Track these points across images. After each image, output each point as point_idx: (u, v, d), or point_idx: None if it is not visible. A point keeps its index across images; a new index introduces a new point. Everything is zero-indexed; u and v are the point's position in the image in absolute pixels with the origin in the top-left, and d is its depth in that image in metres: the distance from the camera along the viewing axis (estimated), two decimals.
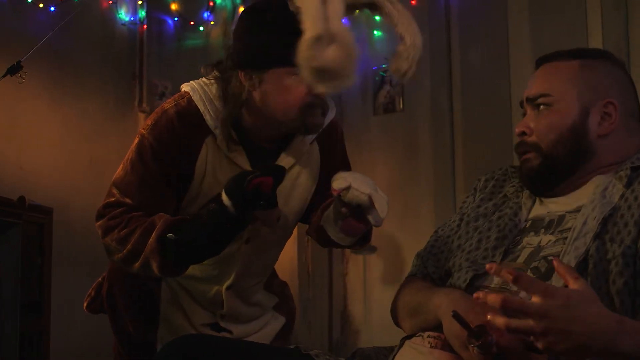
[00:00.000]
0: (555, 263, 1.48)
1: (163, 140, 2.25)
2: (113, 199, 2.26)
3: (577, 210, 1.78)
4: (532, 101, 1.89)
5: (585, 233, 1.69)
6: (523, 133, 1.89)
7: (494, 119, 4.57)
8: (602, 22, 4.18)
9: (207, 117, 2.27)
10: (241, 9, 4.97)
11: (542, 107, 1.86)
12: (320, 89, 2.05)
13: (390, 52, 2.12)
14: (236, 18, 4.90)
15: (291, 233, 2.55)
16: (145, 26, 4.64)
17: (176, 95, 2.37)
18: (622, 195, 1.73)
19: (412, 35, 2.10)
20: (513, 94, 4.51)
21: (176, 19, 4.77)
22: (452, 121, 4.73)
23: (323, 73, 1.96)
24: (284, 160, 2.35)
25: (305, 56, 1.95)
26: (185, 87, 2.37)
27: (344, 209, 2.16)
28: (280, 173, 2.12)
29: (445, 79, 4.74)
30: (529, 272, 1.72)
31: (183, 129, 2.26)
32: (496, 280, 1.78)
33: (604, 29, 4.16)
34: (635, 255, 1.63)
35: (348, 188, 2.08)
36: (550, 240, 1.77)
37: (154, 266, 2.15)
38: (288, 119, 2.23)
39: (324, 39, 1.93)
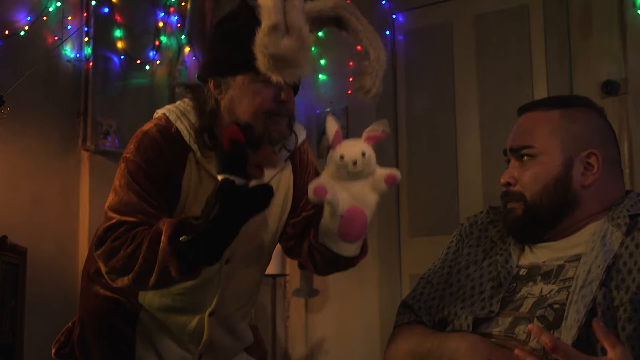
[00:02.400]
0: (594, 325, 1.53)
1: (150, 159, 2.22)
2: (113, 221, 2.18)
3: (576, 258, 1.82)
4: (516, 152, 1.93)
5: (591, 281, 1.73)
6: (508, 184, 1.93)
7: (439, 163, 4.62)
8: (546, 72, 4.27)
9: (184, 133, 2.26)
10: (187, 49, 4.98)
11: (525, 157, 1.91)
12: (275, 77, 2.02)
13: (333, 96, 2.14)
14: (182, 58, 4.96)
15: (269, 256, 2.49)
16: (90, 63, 4.58)
17: (153, 119, 2.34)
18: (622, 243, 1.78)
19: (376, 50, 2.11)
20: (459, 138, 4.58)
21: (122, 57, 4.74)
22: (398, 165, 4.76)
23: (277, 61, 1.99)
24: (269, 151, 2.31)
25: (260, 44, 1.99)
26: (160, 111, 2.35)
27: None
28: (244, 128, 2.06)
29: (391, 123, 4.74)
30: (535, 321, 1.75)
31: (167, 146, 2.25)
32: (500, 326, 1.81)
33: (549, 78, 4.25)
34: None
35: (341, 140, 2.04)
36: (552, 290, 1.80)
37: (173, 271, 2.05)
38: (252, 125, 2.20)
39: (280, 28, 1.97)
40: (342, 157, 2.00)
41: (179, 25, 5.03)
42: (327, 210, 2.09)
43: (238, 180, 1.97)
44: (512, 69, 4.43)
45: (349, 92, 4.79)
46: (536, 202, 1.88)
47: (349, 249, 2.19)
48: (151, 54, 4.92)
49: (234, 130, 1.98)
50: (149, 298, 2.37)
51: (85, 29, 4.61)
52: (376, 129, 2.06)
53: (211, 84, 2.25)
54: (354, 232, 2.11)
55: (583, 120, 1.93)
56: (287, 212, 2.44)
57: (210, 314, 2.39)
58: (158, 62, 4.93)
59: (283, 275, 4.85)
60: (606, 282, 1.72)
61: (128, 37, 4.79)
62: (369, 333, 4.70)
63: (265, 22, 1.98)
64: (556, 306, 1.75)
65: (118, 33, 4.74)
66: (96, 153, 4.56)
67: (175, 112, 2.30)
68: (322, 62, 4.98)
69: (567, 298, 1.74)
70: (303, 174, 2.47)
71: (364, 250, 2.27)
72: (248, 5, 2.22)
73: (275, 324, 4.82)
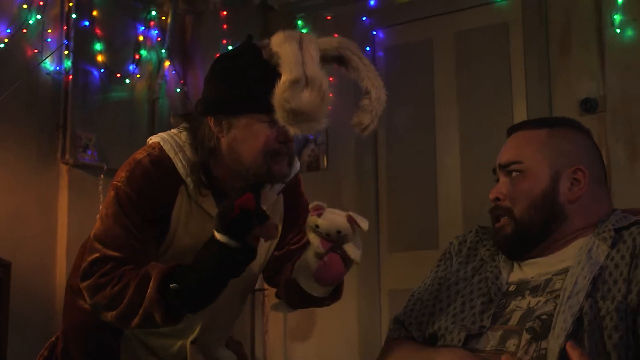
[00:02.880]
0: (568, 349, 1.58)
1: (141, 190, 2.19)
2: (98, 254, 2.16)
3: (563, 272, 1.85)
4: (504, 168, 1.97)
5: (577, 292, 1.76)
6: (497, 199, 1.97)
7: (419, 179, 4.65)
8: (526, 89, 4.32)
9: (178, 166, 2.23)
10: (167, 63, 4.98)
11: (514, 173, 1.95)
12: (294, 130, 2.03)
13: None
14: (161, 72, 4.95)
15: (254, 286, 2.50)
16: (70, 76, 4.57)
17: (146, 146, 2.30)
18: (607, 255, 1.82)
19: (377, 90, 2.15)
20: (438, 155, 4.61)
21: (102, 70, 4.73)
22: (377, 180, 4.79)
23: (297, 115, 2.00)
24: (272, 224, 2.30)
25: (281, 97, 1.99)
26: (154, 138, 2.30)
27: (318, 247, 2.06)
28: (256, 188, 2.09)
29: (370, 139, 4.80)
30: (524, 333, 1.78)
31: (159, 178, 2.21)
32: (491, 342, 1.83)
33: (528, 95, 4.30)
34: (626, 310, 1.72)
35: (320, 213, 2.02)
36: (540, 301, 1.83)
37: (157, 317, 2.07)
38: (255, 165, 2.17)
39: (301, 82, 1.99)
40: (317, 226, 2.01)
41: (159, 39, 5.03)
42: (311, 250, 2.09)
43: (233, 244, 1.97)
44: (492, 85, 4.47)
45: (329, 107, 4.81)
46: (524, 218, 1.92)
47: (318, 291, 2.20)
48: (131, 67, 4.91)
49: (249, 199, 1.96)
50: None
51: (66, 42, 4.59)
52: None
53: (211, 121, 2.20)
54: (329, 278, 2.11)
55: (570, 138, 1.99)
56: (274, 245, 2.43)
57: (193, 342, 2.37)
58: (138, 75, 4.92)
59: (262, 290, 4.84)
60: (592, 293, 1.76)
61: (108, 50, 4.78)
62: (348, 348, 4.70)
63: (287, 75, 1.98)
64: (544, 317, 1.78)
65: (98, 46, 4.73)
66: (75, 166, 4.54)
67: (171, 143, 2.27)
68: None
69: (554, 309, 1.77)
70: (294, 206, 2.45)
71: (337, 295, 2.31)
72: (254, 44, 2.20)
73: (254, 339, 4.81)
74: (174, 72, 5.05)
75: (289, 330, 4.87)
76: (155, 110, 4.97)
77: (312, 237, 2.05)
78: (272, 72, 2.03)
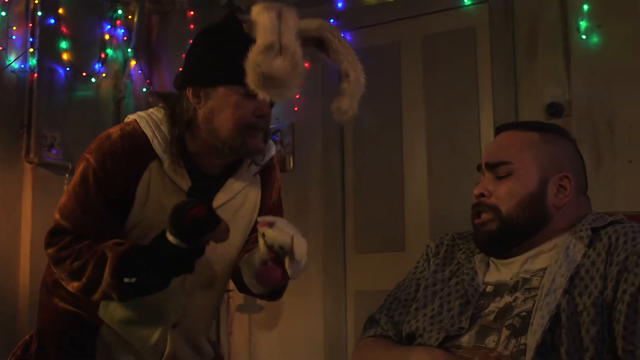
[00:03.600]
0: None
1: (106, 165, 2.22)
2: (56, 225, 2.23)
3: (541, 270, 1.89)
4: (493, 167, 1.99)
5: (555, 289, 1.80)
6: (482, 195, 1.98)
7: (385, 180, 4.67)
8: (492, 92, 4.36)
9: (154, 142, 2.26)
10: (133, 63, 4.95)
11: (502, 172, 1.97)
12: (263, 95, 2.06)
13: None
14: (127, 71, 4.92)
15: (233, 268, 2.47)
16: (35, 75, 4.50)
17: (123, 122, 2.34)
18: (584, 254, 1.86)
19: (356, 73, 2.17)
20: (405, 156, 4.64)
21: (68, 69, 4.68)
22: (344, 182, 4.80)
23: (268, 80, 2.02)
24: (230, 187, 2.36)
25: (253, 61, 2.02)
26: (131, 116, 2.34)
27: (264, 253, 2.14)
28: (209, 191, 2.12)
29: (337, 140, 4.82)
30: (504, 330, 1.82)
31: (126, 153, 2.23)
32: (467, 340, 1.85)
33: (495, 99, 4.34)
34: (602, 305, 1.77)
35: (272, 224, 2.09)
36: (518, 298, 1.87)
37: (115, 297, 2.16)
38: (230, 137, 2.22)
39: (274, 48, 2.01)
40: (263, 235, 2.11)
41: (125, 38, 4.99)
42: (257, 253, 2.17)
43: (184, 246, 2.04)
44: (459, 89, 4.51)
45: (295, 108, 4.81)
46: (511, 216, 1.94)
47: (257, 288, 2.28)
48: (97, 66, 4.87)
49: (201, 210, 2.00)
50: (111, 310, 2.34)
51: (31, 39, 4.53)
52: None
53: (190, 93, 2.24)
54: (266, 282, 2.19)
55: (559, 144, 2.02)
56: (251, 225, 2.45)
57: (174, 326, 2.38)
58: (104, 74, 4.88)
59: (227, 290, 4.82)
60: (569, 290, 1.80)
61: (74, 48, 4.73)
62: (313, 349, 4.71)
63: (261, 40, 2.01)
64: (523, 314, 1.82)
65: (64, 44, 4.68)
66: (40, 166, 4.48)
67: (147, 119, 2.30)
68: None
69: (532, 306, 1.81)
70: (270, 190, 2.49)
71: (277, 295, 2.37)
72: (235, 17, 2.24)
73: (219, 340, 4.80)
74: (140, 72, 5.02)
75: (253, 330, 4.86)
76: (120, 110, 4.93)
77: (261, 243, 2.12)
78: (251, 45, 2.05)
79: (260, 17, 2.04)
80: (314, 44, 2.17)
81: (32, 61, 4.52)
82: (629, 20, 4.01)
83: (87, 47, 4.85)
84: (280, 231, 2.08)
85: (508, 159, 1.97)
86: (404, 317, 2.06)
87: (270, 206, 2.47)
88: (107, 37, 4.94)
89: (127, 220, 2.27)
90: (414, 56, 4.68)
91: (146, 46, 5.12)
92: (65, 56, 4.68)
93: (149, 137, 2.26)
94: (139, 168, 2.25)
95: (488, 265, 2.02)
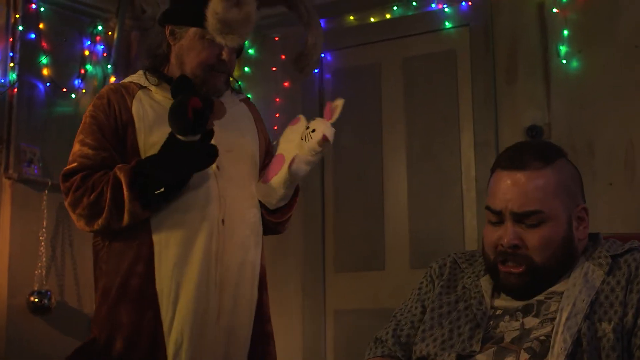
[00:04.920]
0: None
1: (95, 104, 2.55)
2: (64, 171, 2.48)
3: (558, 294, 1.90)
4: (522, 216, 1.91)
5: (576, 314, 1.82)
6: (515, 246, 1.92)
7: (365, 200, 4.70)
8: (473, 115, 4.42)
9: (137, 80, 2.60)
10: (112, 79, 4.93)
11: (533, 221, 1.91)
12: (218, 39, 2.42)
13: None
14: None
15: (258, 165, 2.73)
16: (15, 89, 4.48)
17: None
18: (603, 280, 1.88)
19: (315, 37, 2.58)
20: (385, 176, 4.68)
21: (48, 84, 4.65)
22: (324, 201, 4.82)
23: (224, 26, 2.39)
24: (219, 104, 2.61)
25: (213, 8, 2.39)
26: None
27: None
28: (188, 81, 2.43)
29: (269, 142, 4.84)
30: (522, 352, 1.82)
31: (113, 92, 2.56)
32: (484, 356, 1.87)
33: (475, 121, 4.40)
34: (622, 331, 1.80)
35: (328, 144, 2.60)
36: (535, 323, 1.88)
37: (140, 211, 2.39)
38: (194, 74, 2.53)
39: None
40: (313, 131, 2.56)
41: (105, 54, 4.97)
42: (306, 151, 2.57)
43: (196, 139, 2.36)
44: (440, 111, 4.56)
45: (275, 127, 4.83)
46: (546, 265, 1.91)
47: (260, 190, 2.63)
48: (77, 82, 4.83)
49: (195, 101, 2.31)
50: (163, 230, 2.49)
51: (11, 54, 4.49)
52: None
53: (167, 30, 2.59)
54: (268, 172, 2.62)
55: (568, 172, 1.98)
56: (257, 138, 2.75)
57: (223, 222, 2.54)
58: (84, 90, 4.85)
59: None
60: (590, 315, 1.82)
61: (54, 64, 4.70)
62: None
63: None
64: (542, 338, 1.83)
65: (44, 60, 4.65)
66: (19, 181, 4.43)
67: (128, 77, 2.68)
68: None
69: (552, 330, 1.83)
70: (262, 125, 2.83)
71: (282, 215, 2.76)
72: None
73: None
74: None
75: None
76: None
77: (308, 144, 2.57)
78: None
79: None
80: (283, 4, 2.61)
81: (12, 76, 4.48)
82: (608, 46, 4.10)
83: (67, 62, 4.81)
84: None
85: (538, 208, 1.90)
86: (411, 338, 2.07)
87: (266, 145, 2.80)
88: (87, 52, 4.91)
89: (138, 141, 2.50)
90: (395, 77, 4.73)
91: (126, 62, 5.10)
92: (45, 71, 4.65)
93: (133, 80, 2.62)
94: (128, 97, 2.55)
95: (495, 288, 2.02)
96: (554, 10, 4.23)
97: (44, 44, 4.67)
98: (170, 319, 2.44)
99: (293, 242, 4.79)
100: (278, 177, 2.60)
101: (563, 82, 4.20)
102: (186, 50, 2.54)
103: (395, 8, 4.74)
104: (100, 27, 4.97)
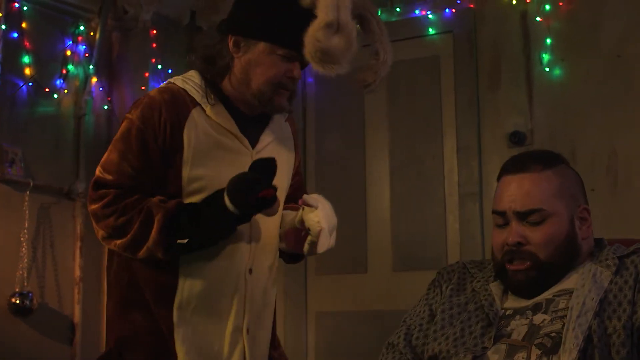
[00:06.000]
0: None
1: (146, 116, 2.34)
2: (97, 178, 2.34)
3: (565, 292, 1.99)
4: (524, 215, 2.02)
5: (586, 312, 1.90)
6: (519, 243, 2.02)
7: (348, 203, 4.73)
8: (456, 120, 4.48)
9: (192, 92, 2.38)
10: (94, 80, 4.90)
11: (536, 219, 2.02)
12: (317, 68, 2.25)
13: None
14: (88, 88, 4.87)
15: (284, 197, 2.62)
16: None
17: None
18: (611, 281, 1.96)
19: (386, 54, 2.38)
20: (368, 180, 4.71)
21: (30, 84, 4.62)
22: None
23: (324, 55, 2.21)
24: (271, 130, 2.51)
25: (314, 36, 2.20)
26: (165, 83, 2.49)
27: (298, 222, 2.38)
28: (272, 168, 2.26)
29: (300, 164, 4.85)
30: (533, 348, 1.90)
31: (165, 104, 2.35)
32: (496, 357, 1.94)
33: (458, 127, 4.47)
34: (632, 329, 1.88)
35: (313, 208, 2.34)
36: (545, 319, 1.95)
37: (160, 254, 2.28)
38: (260, 91, 2.37)
39: (334, 26, 2.19)
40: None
41: (86, 54, 4.93)
42: (298, 216, 2.39)
43: (238, 214, 2.24)
44: (423, 116, 4.61)
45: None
46: (550, 261, 2.01)
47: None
48: (59, 82, 4.80)
49: (269, 194, 2.22)
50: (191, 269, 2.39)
51: None
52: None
53: (231, 41, 2.38)
54: (288, 242, 2.52)
55: (570, 176, 2.10)
56: (292, 167, 2.63)
57: (250, 271, 2.46)
58: (66, 91, 4.81)
59: None
60: (599, 313, 1.90)
61: (36, 63, 4.65)
62: None
63: (323, 17, 2.19)
64: (553, 334, 1.91)
65: (26, 59, 4.61)
66: (0, 182, 4.38)
67: (181, 79, 2.44)
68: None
69: (562, 327, 1.90)
70: (297, 141, 2.68)
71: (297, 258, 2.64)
72: None
73: None
74: (101, 89, 4.97)
75: None
76: (81, 127, 4.85)
77: (299, 214, 2.39)
78: (302, 13, 2.23)
79: None
80: (356, 18, 2.31)
81: None
82: (591, 55, 4.19)
83: (49, 62, 4.77)
84: (315, 219, 2.34)
85: (540, 206, 2.01)
86: (421, 341, 2.12)
87: (297, 165, 2.69)
88: (68, 53, 4.87)
89: (182, 170, 2.35)
90: (379, 94, 4.74)
91: (107, 63, 5.07)
92: (27, 71, 4.60)
93: (186, 89, 2.39)
94: (181, 116, 2.35)
95: (505, 292, 2.10)
96: (537, 19, 4.31)
97: (27, 44, 4.62)
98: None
99: None
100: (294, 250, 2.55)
101: (546, 90, 4.28)
102: (254, 65, 2.35)
103: (379, 13, 4.77)
104: (82, 27, 4.92)
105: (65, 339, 4.63)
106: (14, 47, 4.56)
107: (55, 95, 4.76)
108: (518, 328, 1.97)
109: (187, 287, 2.37)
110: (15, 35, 4.56)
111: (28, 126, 4.61)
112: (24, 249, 4.40)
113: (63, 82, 4.81)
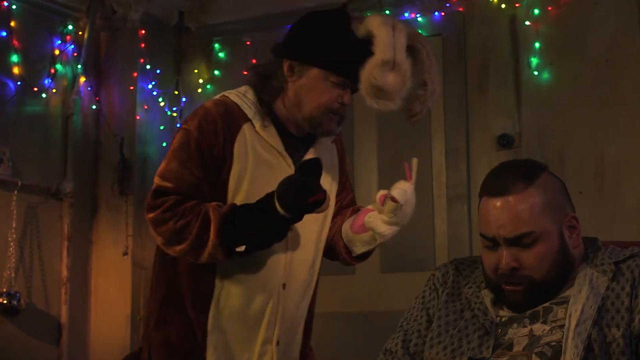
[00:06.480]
0: None
1: (203, 128, 2.40)
2: (156, 187, 2.39)
3: (563, 300, 1.98)
4: (516, 240, 1.98)
5: (585, 320, 1.89)
6: (514, 268, 1.98)
7: None
8: (444, 123, 4.50)
9: (244, 107, 2.45)
10: (82, 79, 4.89)
11: (527, 241, 1.97)
12: (370, 103, 2.36)
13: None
14: (76, 88, 4.85)
15: (330, 219, 2.63)
16: None
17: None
18: (607, 287, 1.95)
19: (434, 85, 2.42)
20: (356, 182, 4.70)
21: (19, 83, 4.60)
22: None
23: (379, 91, 2.32)
24: (317, 149, 2.55)
25: (370, 73, 2.30)
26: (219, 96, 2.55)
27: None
28: (319, 168, 2.31)
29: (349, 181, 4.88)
30: (534, 356, 1.89)
31: (220, 117, 2.42)
32: None
33: (446, 129, 4.50)
34: (630, 337, 1.88)
35: (398, 207, 2.38)
36: (545, 329, 1.94)
37: (220, 257, 2.33)
38: (311, 115, 2.44)
39: (390, 64, 2.29)
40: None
41: (75, 54, 4.92)
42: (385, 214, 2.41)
43: (289, 217, 2.29)
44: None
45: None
46: (546, 279, 1.98)
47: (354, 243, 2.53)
48: (47, 81, 4.78)
49: (320, 197, 2.25)
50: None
51: None
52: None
53: (286, 65, 2.44)
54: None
55: (552, 186, 2.05)
56: (336, 188, 2.65)
57: (284, 286, 2.49)
58: (54, 90, 4.80)
59: None
60: (598, 321, 1.90)
61: (25, 62, 4.63)
62: None
63: (380, 55, 2.29)
64: (553, 344, 1.90)
65: (15, 58, 4.59)
66: None
67: (235, 93, 2.50)
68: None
69: (562, 336, 1.89)
70: (343, 161, 2.71)
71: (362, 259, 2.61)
72: (347, 13, 2.53)
73: None
74: (89, 89, 4.96)
75: None
76: (69, 127, 4.83)
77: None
78: (356, 42, 2.35)
79: (380, 32, 2.31)
80: (407, 49, 2.36)
81: None
82: (579, 59, 4.23)
83: (38, 61, 4.76)
84: (395, 221, 2.40)
85: (530, 229, 1.96)
86: (419, 347, 2.11)
87: (345, 176, 2.72)
88: (57, 52, 4.86)
89: (229, 182, 2.42)
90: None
91: (95, 63, 5.06)
92: (16, 70, 4.59)
93: (239, 103, 2.46)
94: (233, 130, 2.43)
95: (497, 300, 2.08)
96: (526, 23, 4.34)
97: (15, 42, 4.60)
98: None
99: None
100: (364, 236, 2.52)
101: (534, 93, 4.31)
102: (307, 91, 2.42)
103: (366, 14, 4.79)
104: (70, 27, 4.91)
105: (52, 339, 4.62)
106: (2, 46, 4.56)
107: (44, 95, 4.75)
108: (518, 338, 1.95)
109: (224, 296, 2.43)
110: (4, 34, 4.55)
111: (16, 125, 4.60)
112: (11, 248, 4.39)
113: (51, 82, 4.80)
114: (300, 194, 2.25)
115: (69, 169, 4.79)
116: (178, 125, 4.99)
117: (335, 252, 2.62)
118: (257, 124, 2.45)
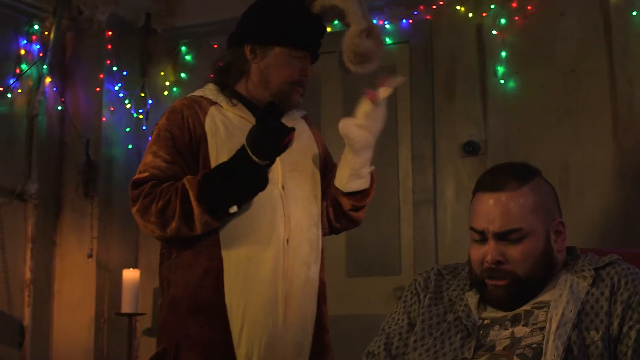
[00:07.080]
0: None
1: (170, 118, 2.58)
2: (134, 180, 2.51)
3: (543, 305, 2.03)
4: (504, 235, 2.04)
5: (565, 323, 1.96)
6: (499, 262, 2.04)
7: None
8: (411, 130, 4.55)
9: (208, 96, 2.62)
10: (47, 80, 4.85)
11: (514, 237, 2.04)
12: (355, 69, 2.63)
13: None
14: (42, 88, 4.81)
15: (319, 183, 2.76)
16: None
17: None
18: (587, 292, 2.02)
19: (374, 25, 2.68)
20: None
21: None
22: None
23: (362, 57, 2.60)
24: (288, 119, 2.63)
25: (352, 43, 2.58)
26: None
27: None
28: (278, 108, 2.48)
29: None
30: (515, 358, 1.95)
31: (186, 107, 2.59)
32: None
33: (413, 137, 4.54)
34: (609, 340, 1.95)
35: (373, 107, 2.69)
36: (525, 332, 2.00)
37: (211, 222, 2.43)
38: (278, 90, 2.61)
39: (365, 31, 2.57)
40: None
41: (40, 54, 4.88)
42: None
43: (265, 164, 2.41)
44: None
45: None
46: (529, 277, 2.04)
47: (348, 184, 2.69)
48: (12, 81, 4.74)
49: (292, 137, 2.39)
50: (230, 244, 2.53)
51: None
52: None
53: (247, 49, 2.62)
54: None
55: (544, 190, 2.12)
56: (318, 156, 2.81)
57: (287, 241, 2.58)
58: (20, 90, 4.76)
59: (137, 314, 4.77)
60: (577, 324, 1.96)
61: None
62: None
63: (357, 25, 2.57)
64: (534, 346, 1.95)
65: None
66: None
67: (198, 90, 2.69)
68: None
69: (542, 339, 1.95)
70: (319, 139, 2.88)
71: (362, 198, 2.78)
72: None
73: None
74: (54, 89, 4.93)
75: None
76: (34, 127, 4.80)
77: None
78: (312, 18, 2.64)
79: (348, 4, 2.57)
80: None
81: None
82: (545, 68, 4.30)
83: (3, 61, 4.72)
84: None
85: (518, 226, 2.02)
86: (400, 349, 2.15)
87: (325, 153, 2.88)
88: (22, 52, 4.82)
89: (209, 157, 2.53)
90: (335, 91, 4.79)
91: (61, 63, 5.02)
92: None
93: (202, 95, 2.64)
94: (200, 114, 2.58)
95: (481, 301, 2.13)
96: (493, 32, 4.41)
97: None
98: (239, 332, 2.49)
99: None
100: (341, 167, 2.70)
101: (500, 101, 4.38)
102: (272, 68, 2.60)
103: (335, 22, 4.78)
104: (36, 27, 4.88)
105: (14, 342, 4.57)
106: None
107: (9, 95, 4.71)
108: (499, 340, 2.00)
109: (233, 268, 2.51)
110: None
111: None
112: None
113: (16, 82, 4.76)
114: (275, 139, 2.37)
115: (33, 170, 4.76)
116: (144, 127, 4.99)
117: (337, 203, 2.75)
118: (224, 104, 2.60)
